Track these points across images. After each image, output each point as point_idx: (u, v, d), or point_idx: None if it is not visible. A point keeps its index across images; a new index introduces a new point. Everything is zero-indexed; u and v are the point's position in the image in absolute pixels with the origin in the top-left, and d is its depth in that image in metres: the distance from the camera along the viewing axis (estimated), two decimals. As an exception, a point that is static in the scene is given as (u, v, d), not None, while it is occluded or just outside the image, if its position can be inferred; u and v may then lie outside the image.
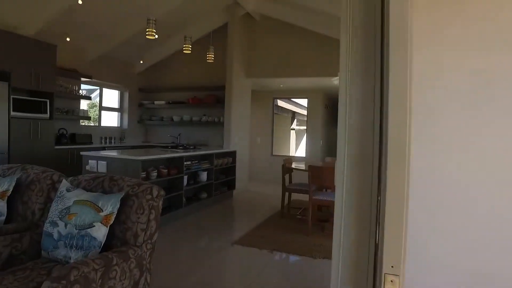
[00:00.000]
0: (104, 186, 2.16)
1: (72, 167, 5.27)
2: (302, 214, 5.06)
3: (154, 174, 4.09)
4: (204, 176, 5.29)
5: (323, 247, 3.74)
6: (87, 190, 2.13)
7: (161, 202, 2.11)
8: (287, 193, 4.94)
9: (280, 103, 9.53)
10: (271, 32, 6.80)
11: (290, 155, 10.47)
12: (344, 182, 1.15)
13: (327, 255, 3.54)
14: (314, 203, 4.22)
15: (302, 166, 4.94)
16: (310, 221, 4.14)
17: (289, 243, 3.85)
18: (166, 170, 4.33)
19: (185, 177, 4.76)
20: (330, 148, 9.28)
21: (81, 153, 4.21)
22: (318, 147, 8.30)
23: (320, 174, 4.05)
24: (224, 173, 6.11)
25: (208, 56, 5.55)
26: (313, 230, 4.22)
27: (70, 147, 5.45)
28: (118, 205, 1.95)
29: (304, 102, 11.49)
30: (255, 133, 8.59)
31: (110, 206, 1.93)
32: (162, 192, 2.12)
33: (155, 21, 4.04)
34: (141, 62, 7.25)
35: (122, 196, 1.98)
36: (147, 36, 4.13)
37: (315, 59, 6.45)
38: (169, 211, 4.41)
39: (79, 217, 1.90)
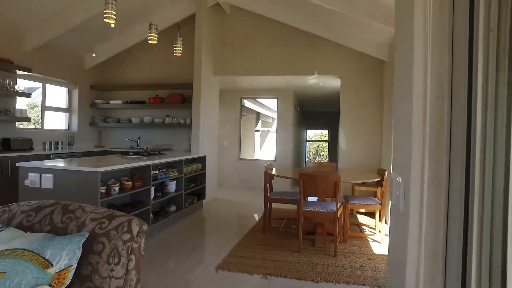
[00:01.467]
0: (54, 221, 1.42)
1: (4, 183, 4.25)
2: (286, 226, 4.52)
3: (116, 188, 3.29)
4: (172, 186, 4.54)
5: (320, 266, 3.21)
6: (25, 229, 1.38)
7: (143, 241, 1.42)
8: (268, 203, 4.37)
9: (246, 103, 8.96)
10: (242, 26, 6.20)
11: (256, 158, 9.94)
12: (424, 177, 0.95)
13: (328, 276, 3.02)
14: (305, 216, 3.70)
15: (288, 173, 4.40)
16: (301, 236, 3.61)
17: (281, 264, 3.28)
18: (130, 183, 3.55)
19: (152, 189, 4.00)
20: (301, 151, 8.84)
21: (18, 164, 3.27)
22: (289, 150, 7.84)
23: (314, 183, 3.53)
24: (193, 182, 5.38)
25: (175, 49, 4.81)
26: (302, 244, 3.69)
27: (2, 155, 4.40)
28: (79, 254, 1.24)
29: (269, 102, 11.03)
30: (222, 136, 7.92)
31: (65, 256, 1.21)
32: (145, 227, 1.44)
33: (115, 0, 3.25)
34: (94, 55, 6.27)
35: (84, 239, 1.28)
36: (105, 20, 3.33)
37: (290, 57, 5.97)
38: (134, 231, 3.63)
39: (10, 279, 1.15)
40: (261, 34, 6.10)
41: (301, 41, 5.91)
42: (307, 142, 15.23)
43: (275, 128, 14.46)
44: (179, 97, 6.20)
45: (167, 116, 6.35)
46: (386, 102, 5.42)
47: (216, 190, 6.68)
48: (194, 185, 5.30)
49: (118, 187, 3.33)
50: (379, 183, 4.00)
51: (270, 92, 7.92)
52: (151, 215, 3.96)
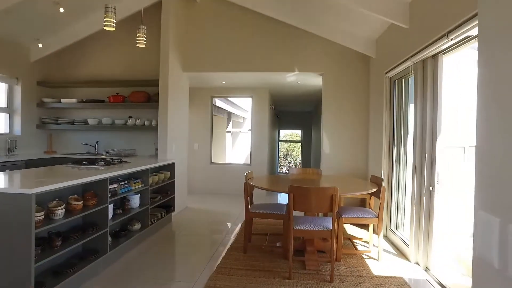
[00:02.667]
0: None
1: None
2: (270, 244, 3.93)
3: (60, 211, 2.53)
4: (136, 201, 3.81)
5: (318, 300, 2.66)
6: None
7: None
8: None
9: (217, 102, 8.28)
10: (214, 17, 5.54)
11: (228, 162, 9.30)
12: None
13: (329, 313, 2.48)
14: (296, 236, 3.12)
15: (272, 183, 3.81)
16: (291, 259, 3.04)
17: (271, 298, 2.69)
18: (81, 202, 2.79)
19: (111, 207, 3.26)
20: (274, 153, 8.29)
21: None
22: (264, 153, 7.27)
23: (307, 197, 2.97)
24: (161, 193, 4.66)
25: (138, 39, 4.06)
26: (292, 267, 3.12)
27: None
28: None
29: (241, 101, 10.42)
30: (193, 138, 7.21)
31: None
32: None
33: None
34: (40, 45, 5.32)
35: None
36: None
37: (267, 51, 5.39)
38: (86, 264, 2.88)
39: None
40: (235, 26, 5.47)
41: (280, 34, 5.35)
42: (279, 143, 14.79)
43: (248, 128, 13.89)
44: (143, 95, 5.43)
45: (130, 117, 5.55)
46: (372, 102, 4.99)
47: (187, 198, 5.97)
48: (162, 196, 4.58)
49: (64, 210, 2.58)
50: (375, 193, 3.52)
51: (244, 91, 7.31)
52: (109, 239, 3.22)
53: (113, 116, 5.61)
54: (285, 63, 5.36)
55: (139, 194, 3.85)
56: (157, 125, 5.07)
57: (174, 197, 4.90)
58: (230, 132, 10.75)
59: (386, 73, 4.35)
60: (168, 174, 4.74)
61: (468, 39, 2.60)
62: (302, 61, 5.34)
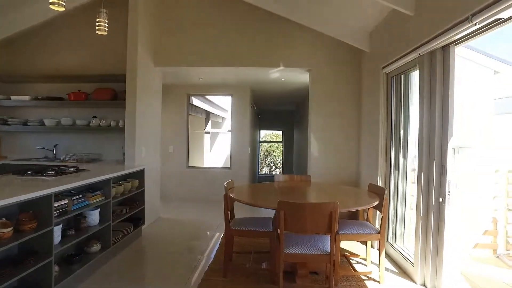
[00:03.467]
0: None
1: None
2: (255, 264, 3.37)
3: (-22, 244, 1.90)
4: (94, 217, 3.17)
5: None
6: None
7: None
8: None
9: (195, 101, 7.66)
10: (189, 5, 4.93)
11: (207, 166, 8.70)
12: None
13: None
14: (287, 261, 2.59)
15: (256, 193, 3.25)
16: (281, 286, 2.51)
17: None
18: (10, 229, 2.15)
19: (57, 229, 2.62)
20: (255, 154, 7.74)
21: None
22: (246, 156, 6.72)
23: (300, 215, 2.44)
24: (128, 204, 4.02)
25: (98, 25, 3.41)
26: (285, 300, 2.60)
27: None
28: None
29: (220, 100, 9.82)
30: (167, 140, 6.56)
31: None
32: None
33: None
34: (-16, 33, 4.56)
35: None
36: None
37: (249, 44, 4.84)
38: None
39: None
40: (214, 15, 4.88)
41: (264, 26, 4.81)
42: (259, 144, 14.28)
43: (228, 129, 13.29)
44: (109, 92, 4.75)
45: (94, 117, 4.86)
46: (365, 101, 4.54)
47: (159, 208, 5.34)
48: (129, 208, 3.94)
49: (-15, 241, 1.93)
50: (377, 205, 3.04)
51: (223, 89, 6.72)
52: (56, 269, 2.58)
53: (74, 116, 4.90)
54: (269, 58, 4.83)
55: (98, 209, 3.21)
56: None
57: (144, 208, 4.27)
58: (208, 132, 10.13)
59: (383, 68, 3.90)
60: (137, 182, 4.10)
61: (496, 23, 2.14)
62: (287, 56, 4.83)
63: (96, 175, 3.22)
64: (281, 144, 15.50)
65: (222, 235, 4.36)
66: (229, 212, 3.11)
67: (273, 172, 17.89)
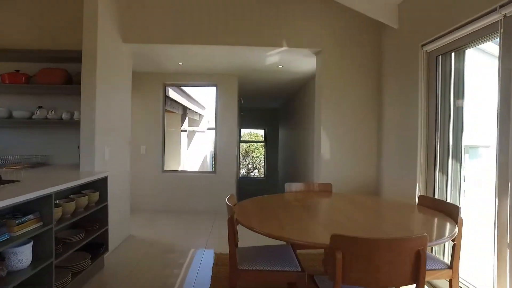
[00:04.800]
0: None
1: None
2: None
3: None
4: (24, 256, 2.01)
5: None
6: None
7: None
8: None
9: (171, 93, 6.50)
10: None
11: (186, 169, 7.57)
12: None
13: None
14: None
15: (269, 213, 2.21)
16: None
17: None
18: None
19: None
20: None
21: None
22: (233, 159, 5.66)
23: (372, 258, 1.46)
24: (84, 226, 2.86)
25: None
26: None
27: None
28: None
29: (199, 95, 8.70)
30: (138, 139, 5.38)
31: None
32: None
33: None
34: None
35: None
36: None
37: (244, 18, 3.82)
38: None
39: None
40: (199, -19, 3.82)
41: (263, -4, 3.81)
42: (239, 143, 13.24)
43: (208, 127, 12.15)
44: (60, 74, 3.54)
45: (40, 107, 3.63)
46: (389, 88, 3.64)
47: (129, 223, 4.18)
48: (85, 232, 2.78)
49: None
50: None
51: (206, 77, 5.62)
52: None
53: (11, 105, 3.64)
54: (270, 35, 3.83)
55: (31, 243, 2.06)
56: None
57: (107, 230, 3.11)
58: (185, 131, 8.95)
59: (423, 46, 3.02)
60: (96, 195, 2.95)
61: None
62: (292, 33, 3.84)
63: (30, 189, 2.07)
64: (262, 144, 14.53)
65: (213, 264, 3.30)
66: (233, 243, 2.06)
67: (252, 174, 16.88)
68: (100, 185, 3.04)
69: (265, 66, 4.86)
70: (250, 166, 17.20)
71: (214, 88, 5.73)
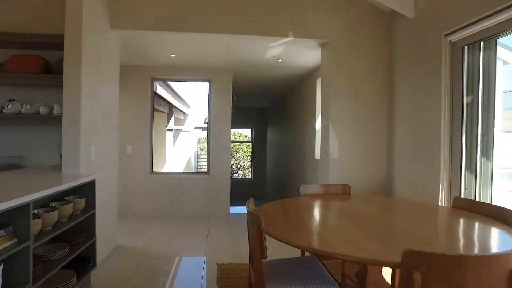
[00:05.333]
0: None
1: None
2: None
3: None
4: (-6, 283, 1.58)
5: None
6: None
7: None
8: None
9: (159, 89, 6.03)
10: None
11: (175, 171, 7.12)
12: None
13: None
14: None
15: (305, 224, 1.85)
16: None
17: None
18: None
19: None
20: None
21: None
22: (227, 160, 5.27)
23: (456, 279, 1.14)
24: (68, 239, 2.41)
25: None
26: None
27: None
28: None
29: (184, 92, 8.25)
30: (124, 138, 4.91)
31: None
32: None
33: None
34: None
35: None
36: None
37: (245, 3, 3.46)
38: None
39: None
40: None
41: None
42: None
43: (193, 126, 11.66)
44: (36, 62, 3.04)
45: (11, 100, 3.12)
46: (402, 81, 3.38)
47: (116, 230, 3.72)
48: (70, 247, 2.33)
49: None
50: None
51: (199, 72, 5.19)
52: None
53: (-22, 99, 3.12)
54: (275, 24, 3.49)
55: (1, 266, 1.62)
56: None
57: (95, 241, 2.66)
58: (171, 130, 8.45)
59: (447, 35, 2.77)
60: (82, 202, 2.50)
61: None
62: (299, 22, 3.52)
63: (0, 198, 1.62)
64: (247, 144, 14.17)
65: (217, 278, 2.91)
66: (259, 248, 1.69)
67: (236, 175, 16.47)
68: (87, 190, 2.59)
69: (264, 60, 4.52)
70: (234, 167, 16.79)
71: (203, 85, 5.32)
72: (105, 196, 3.22)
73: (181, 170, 9.53)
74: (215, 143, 5.19)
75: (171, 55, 4.39)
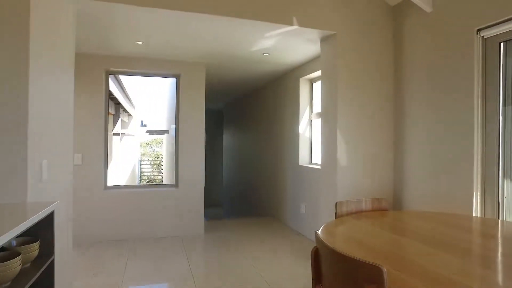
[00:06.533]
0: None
1: None
2: None
3: None
4: None
5: None
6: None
7: None
8: None
9: (111, 86, 4.96)
10: None
11: (131, 183, 6.07)
12: None
13: None
14: None
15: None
16: None
17: None
18: None
19: None
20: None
21: None
22: (199, 170, 4.48)
23: None
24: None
25: None
26: None
27: None
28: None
29: (132, 90, 7.17)
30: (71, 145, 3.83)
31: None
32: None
33: None
34: None
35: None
36: None
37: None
38: None
39: None
40: None
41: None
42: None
43: (145, 128, 10.36)
44: None
45: None
46: (413, 83, 3.03)
47: (70, 268, 2.74)
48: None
49: None
50: None
51: (166, 65, 4.31)
52: None
53: None
54: (276, 9, 2.89)
55: None
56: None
57: (52, 303, 1.76)
58: (118, 134, 7.26)
59: (480, 30, 2.47)
60: (36, 247, 1.60)
61: None
62: (304, 10, 2.97)
63: None
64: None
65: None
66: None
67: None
68: (42, 228, 1.69)
69: (249, 53, 3.88)
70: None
71: (175, 80, 4.48)
72: (60, 222, 2.28)
73: (124, 181, 8.32)
74: (185, 150, 4.38)
75: (138, 42, 3.50)
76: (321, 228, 1.71)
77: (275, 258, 3.53)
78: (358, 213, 2.17)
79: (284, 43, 3.52)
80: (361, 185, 3.15)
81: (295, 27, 2.96)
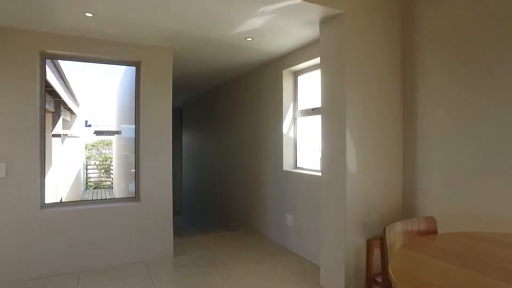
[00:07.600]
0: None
1: None
2: None
3: None
4: None
5: None
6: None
7: None
8: None
9: (49, 76, 3.94)
10: None
11: (81, 198, 5.07)
12: None
13: None
14: None
15: None
16: None
17: None
18: None
19: None
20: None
21: None
22: (166, 178, 3.66)
23: None
24: None
25: None
26: None
27: None
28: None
29: (74, 85, 6.07)
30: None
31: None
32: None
33: None
34: None
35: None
36: None
37: None
38: None
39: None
40: None
41: None
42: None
43: (92, 132, 9.02)
44: None
45: None
46: (434, 74, 2.58)
47: None
48: None
49: None
50: None
51: (122, 49, 3.42)
52: None
53: None
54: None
55: None
56: None
57: None
58: (59, 136, 6.04)
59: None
60: None
61: None
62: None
63: None
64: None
65: None
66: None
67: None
68: None
69: (230, 36, 3.16)
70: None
71: (133, 70, 3.62)
72: None
73: (65, 194, 7.07)
74: (147, 155, 3.55)
75: (87, 14, 2.62)
76: (391, 269, 1.11)
77: (268, 284, 2.89)
78: (408, 238, 1.62)
79: (274, 25, 2.88)
80: (373, 194, 2.64)
81: (298, 1, 2.34)
